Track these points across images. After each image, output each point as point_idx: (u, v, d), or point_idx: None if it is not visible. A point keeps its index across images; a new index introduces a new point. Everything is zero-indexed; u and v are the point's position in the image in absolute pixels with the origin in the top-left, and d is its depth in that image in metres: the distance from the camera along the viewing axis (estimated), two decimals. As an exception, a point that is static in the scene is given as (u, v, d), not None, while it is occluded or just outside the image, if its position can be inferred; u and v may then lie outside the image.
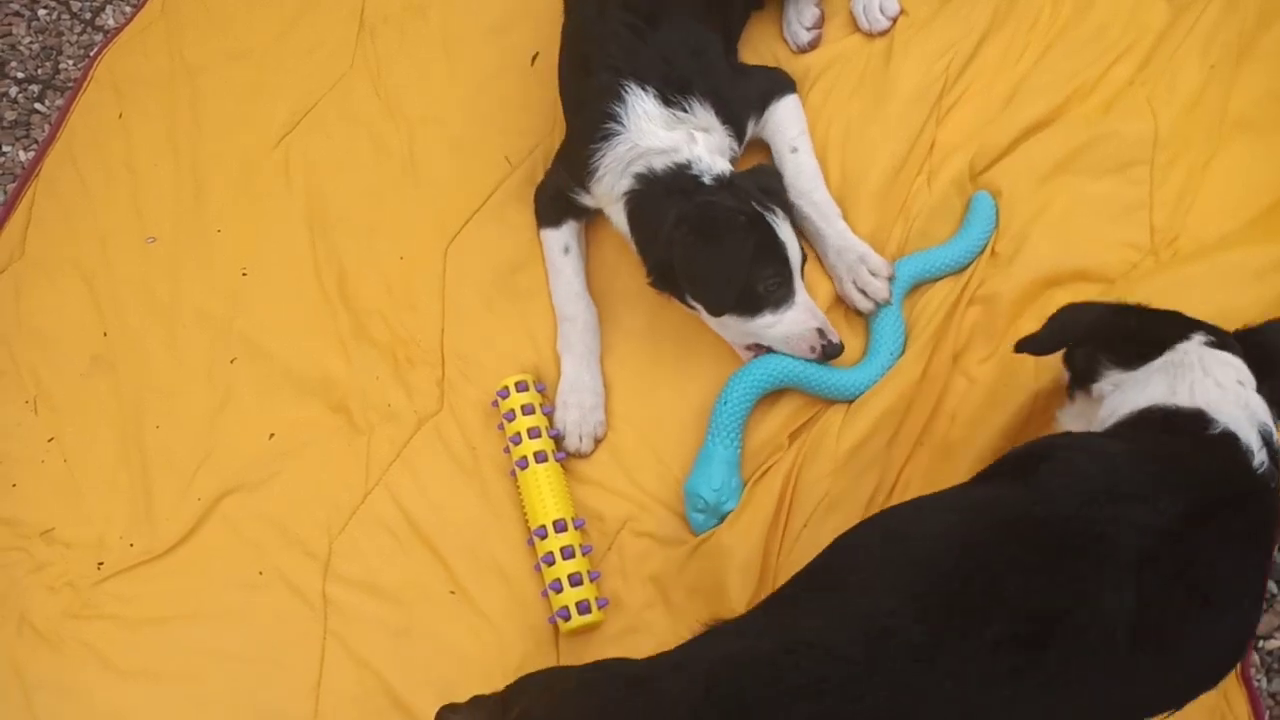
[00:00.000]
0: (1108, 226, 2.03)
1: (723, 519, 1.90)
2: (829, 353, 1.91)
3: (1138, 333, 1.53)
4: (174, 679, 1.93)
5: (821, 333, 1.91)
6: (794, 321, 1.91)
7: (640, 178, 1.94)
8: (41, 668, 1.95)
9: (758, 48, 2.37)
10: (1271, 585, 1.84)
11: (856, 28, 2.33)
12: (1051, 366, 1.89)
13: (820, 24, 2.33)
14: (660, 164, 1.93)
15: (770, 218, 1.88)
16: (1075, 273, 1.99)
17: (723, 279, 1.85)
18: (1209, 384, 1.40)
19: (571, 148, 2.09)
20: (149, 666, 1.94)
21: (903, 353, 1.98)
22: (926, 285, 2.06)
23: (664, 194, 1.91)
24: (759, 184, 1.96)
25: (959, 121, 2.18)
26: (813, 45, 2.33)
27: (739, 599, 1.81)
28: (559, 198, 2.14)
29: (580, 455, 2.02)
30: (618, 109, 1.95)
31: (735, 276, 1.84)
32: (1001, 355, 1.93)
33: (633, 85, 1.96)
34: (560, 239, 2.15)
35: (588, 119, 1.99)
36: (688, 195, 1.89)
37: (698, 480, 1.90)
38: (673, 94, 1.97)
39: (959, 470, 1.84)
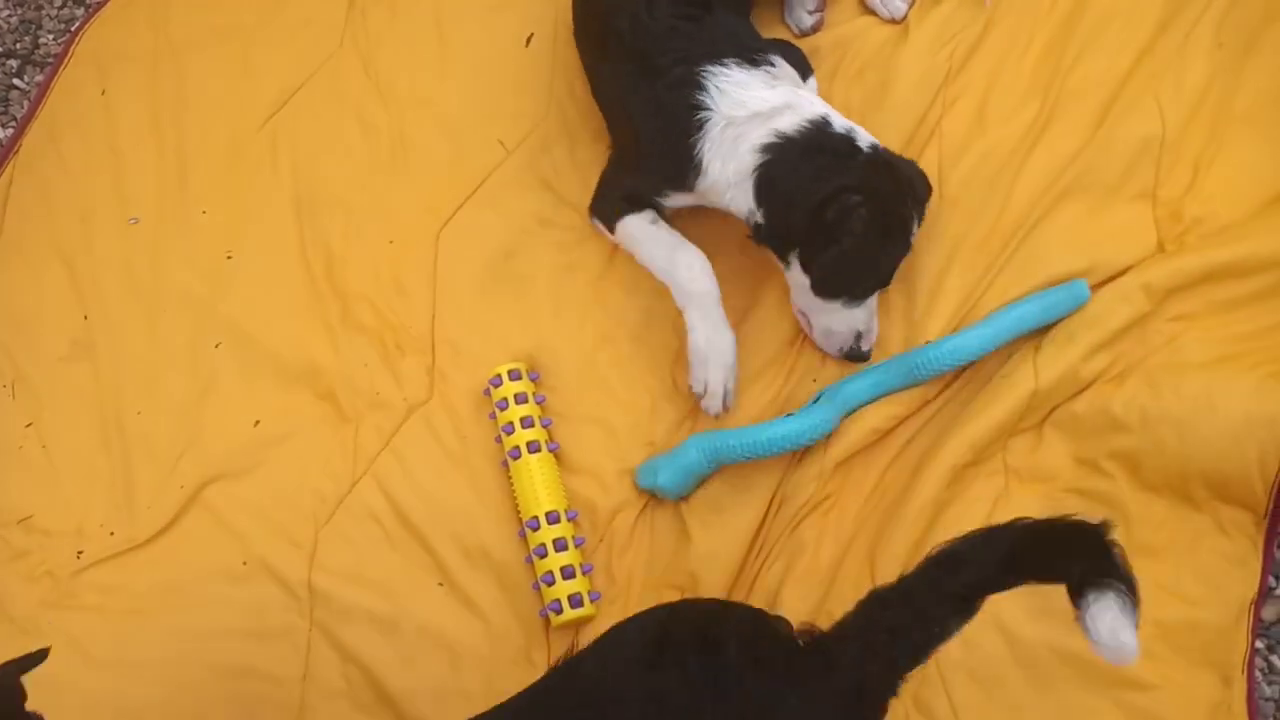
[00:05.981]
0: (1114, 225, 1.97)
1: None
2: (853, 356, 1.86)
3: None
4: (155, 670, 1.89)
5: (860, 335, 1.87)
6: (845, 319, 1.85)
7: (769, 147, 1.77)
8: (18, 659, 1.91)
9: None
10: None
11: (863, 10, 2.28)
12: (1053, 366, 1.86)
13: (823, 6, 2.29)
14: (789, 124, 1.77)
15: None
16: (1082, 274, 1.93)
17: (866, 276, 1.80)
18: None
19: (656, 153, 1.94)
20: (129, 657, 1.90)
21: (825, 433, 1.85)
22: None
23: (814, 151, 1.75)
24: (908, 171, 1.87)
25: (964, 113, 2.13)
26: (815, 28, 2.29)
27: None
28: (639, 200, 2.02)
29: (723, 414, 1.91)
30: (701, 97, 1.83)
31: (880, 279, 1.80)
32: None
33: (709, 67, 1.84)
34: (645, 215, 2.00)
35: (672, 117, 1.86)
36: (845, 160, 1.75)
37: (661, 467, 1.88)
38: (754, 54, 1.87)
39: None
